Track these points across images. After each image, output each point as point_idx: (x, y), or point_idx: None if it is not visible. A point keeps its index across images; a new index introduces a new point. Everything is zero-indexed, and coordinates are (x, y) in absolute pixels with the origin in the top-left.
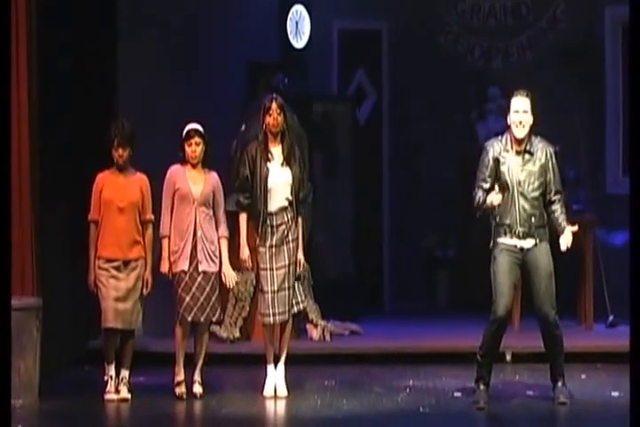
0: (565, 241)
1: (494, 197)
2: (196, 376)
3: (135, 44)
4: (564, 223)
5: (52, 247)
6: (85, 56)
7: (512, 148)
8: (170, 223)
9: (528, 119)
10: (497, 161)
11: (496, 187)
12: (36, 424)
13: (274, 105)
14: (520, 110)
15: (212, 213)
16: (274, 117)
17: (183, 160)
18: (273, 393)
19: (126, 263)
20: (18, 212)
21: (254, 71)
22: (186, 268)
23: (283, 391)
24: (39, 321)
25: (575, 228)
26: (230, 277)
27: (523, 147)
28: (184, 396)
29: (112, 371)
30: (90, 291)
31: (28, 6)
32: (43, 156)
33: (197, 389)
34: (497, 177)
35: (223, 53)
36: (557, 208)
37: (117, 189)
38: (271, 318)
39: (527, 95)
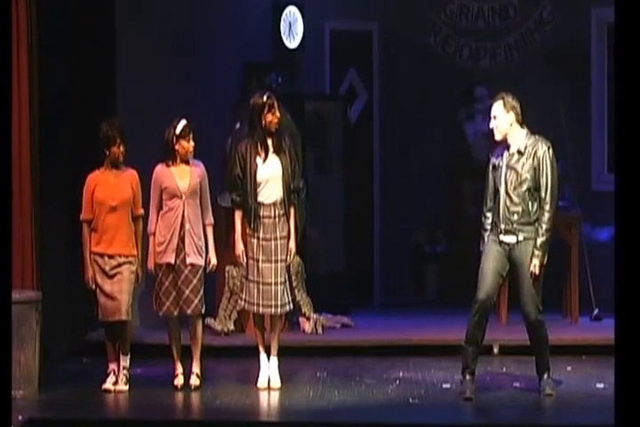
0: (531, 269)
1: None
2: (195, 368)
3: (133, 43)
4: (536, 249)
5: (51, 242)
6: (84, 56)
7: (505, 150)
8: (157, 220)
9: (498, 124)
10: (494, 168)
11: None
12: (36, 415)
13: (275, 102)
14: (492, 116)
15: (199, 204)
16: (276, 115)
17: (172, 156)
18: (266, 384)
19: (119, 259)
20: (18, 208)
21: (248, 71)
22: (172, 260)
23: (276, 383)
24: (39, 314)
25: (536, 264)
26: (213, 263)
27: (516, 148)
28: (180, 387)
29: (114, 365)
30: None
31: (29, 6)
32: (43, 153)
33: (194, 381)
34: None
35: (218, 53)
36: (540, 219)
37: (109, 188)
38: (254, 308)
39: (501, 98)
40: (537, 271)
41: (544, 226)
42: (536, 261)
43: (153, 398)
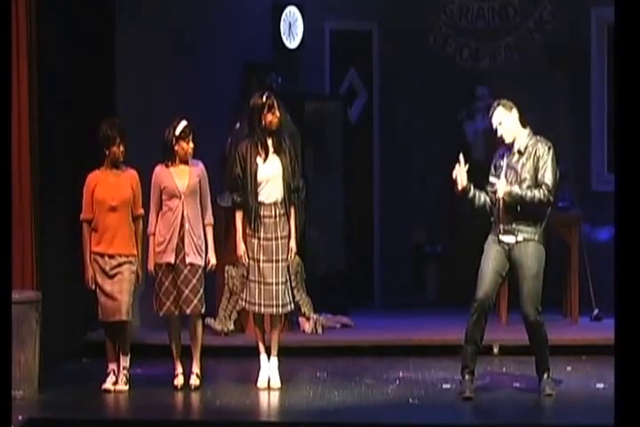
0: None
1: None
2: (195, 369)
3: (133, 43)
4: (513, 187)
5: (51, 242)
6: (84, 56)
7: (507, 150)
8: (156, 221)
9: (505, 127)
10: (495, 168)
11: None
12: (36, 415)
13: (274, 102)
14: (495, 125)
15: (199, 203)
16: (276, 115)
17: (172, 156)
18: (266, 385)
19: (120, 259)
20: (18, 208)
21: (248, 71)
22: (172, 260)
23: (276, 383)
24: (39, 314)
25: (502, 189)
26: (212, 263)
27: (517, 147)
28: (180, 387)
29: (114, 365)
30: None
31: (28, 6)
32: (43, 153)
33: (194, 381)
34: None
35: (218, 53)
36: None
37: (109, 188)
38: (255, 307)
39: (498, 104)
40: (500, 194)
41: (532, 193)
42: (504, 188)
43: (153, 398)
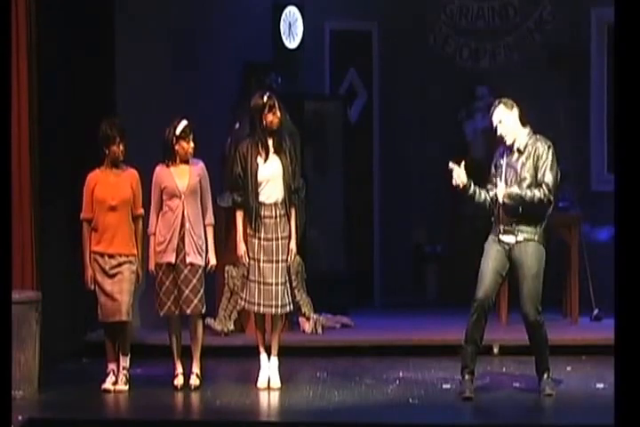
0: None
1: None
2: (195, 369)
3: (132, 43)
4: (512, 188)
5: (51, 242)
6: (84, 56)
7: (507, 149)
8: (157, 221)
9: (505, 126)
10: (495, 167)
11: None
12: (36, 415)
13: (275, 103)
14: (495, 124)
15: (200, 203)
16: (277, 116)
17: (172, 156)
18: (266, 385)
19: (120, 258)
20: (18, 208)
21: (248, 71)
22: (172, 260)
23: (276, 383)
24: (39, 314)
25: (502, 193)
26: (212, 264)
27: (516, 146)
28: (180, 387)
29: (114, 365)
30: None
31: (28, 6)
32: (43, 153)
33: (194, 381)
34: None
35: (218, 53)
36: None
37: (109, 187)
38: (255, 307)
39: (499, 103)
40: (500, 198)
41: (532, 192)
42: (504, 191)
43: (153, 398)
